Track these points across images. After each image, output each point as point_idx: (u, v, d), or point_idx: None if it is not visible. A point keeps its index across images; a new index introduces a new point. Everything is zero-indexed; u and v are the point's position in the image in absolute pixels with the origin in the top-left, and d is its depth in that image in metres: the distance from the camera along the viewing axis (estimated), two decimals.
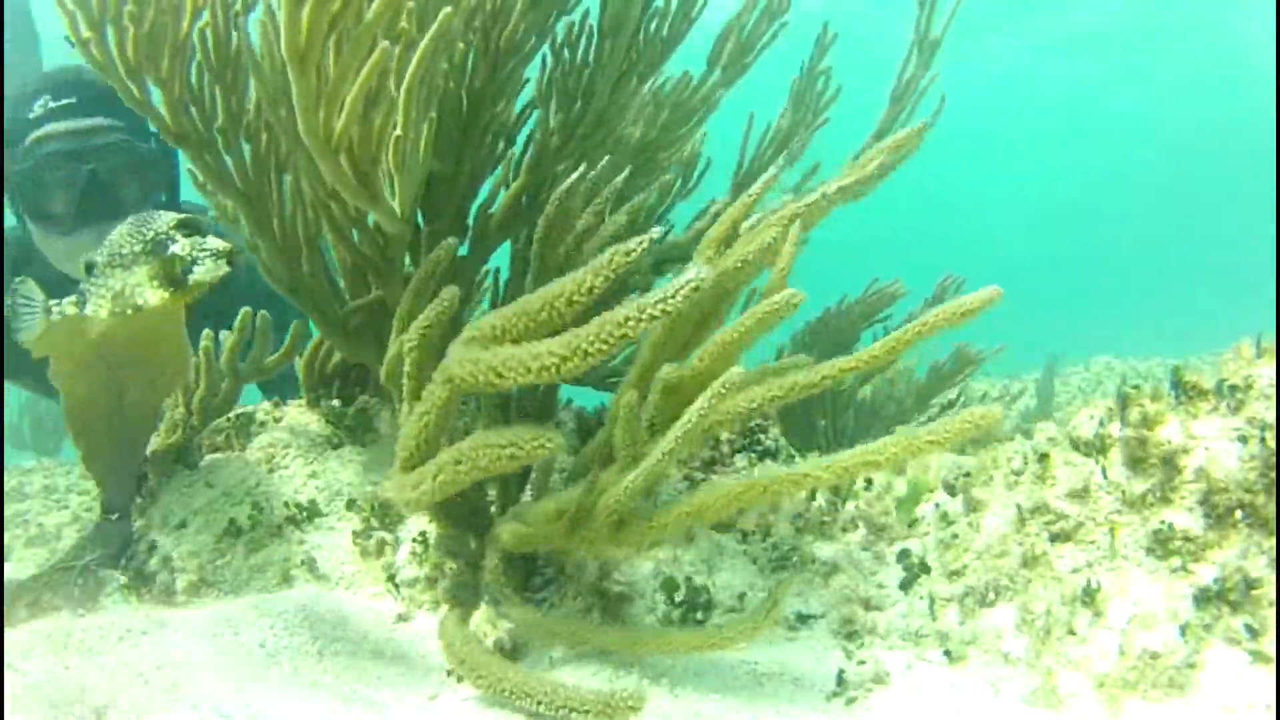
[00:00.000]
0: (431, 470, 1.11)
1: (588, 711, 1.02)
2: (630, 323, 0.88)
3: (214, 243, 1.27)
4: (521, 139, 1.69)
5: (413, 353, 1.21)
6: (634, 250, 0.93)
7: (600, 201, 1.42)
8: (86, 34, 1.34)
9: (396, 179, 1.31)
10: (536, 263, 1.43)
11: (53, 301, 1.37)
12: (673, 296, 0.85)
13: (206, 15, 1.36)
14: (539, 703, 1.06)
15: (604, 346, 0.90)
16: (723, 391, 1.02)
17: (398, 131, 1.24)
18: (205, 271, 1.26)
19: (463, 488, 1.11)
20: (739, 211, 1.26)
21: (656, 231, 0.98)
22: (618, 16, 1.62)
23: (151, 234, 1.26)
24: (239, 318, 1.70)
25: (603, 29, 1.64)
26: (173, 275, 1.26)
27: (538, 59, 1.64)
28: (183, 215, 1.29)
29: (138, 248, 1.27)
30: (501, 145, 1.65)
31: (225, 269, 1.27)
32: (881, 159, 1.18)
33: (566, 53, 1.64)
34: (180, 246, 1.26)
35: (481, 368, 1.01)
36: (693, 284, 0.85)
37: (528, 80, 1.64)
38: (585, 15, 1.63)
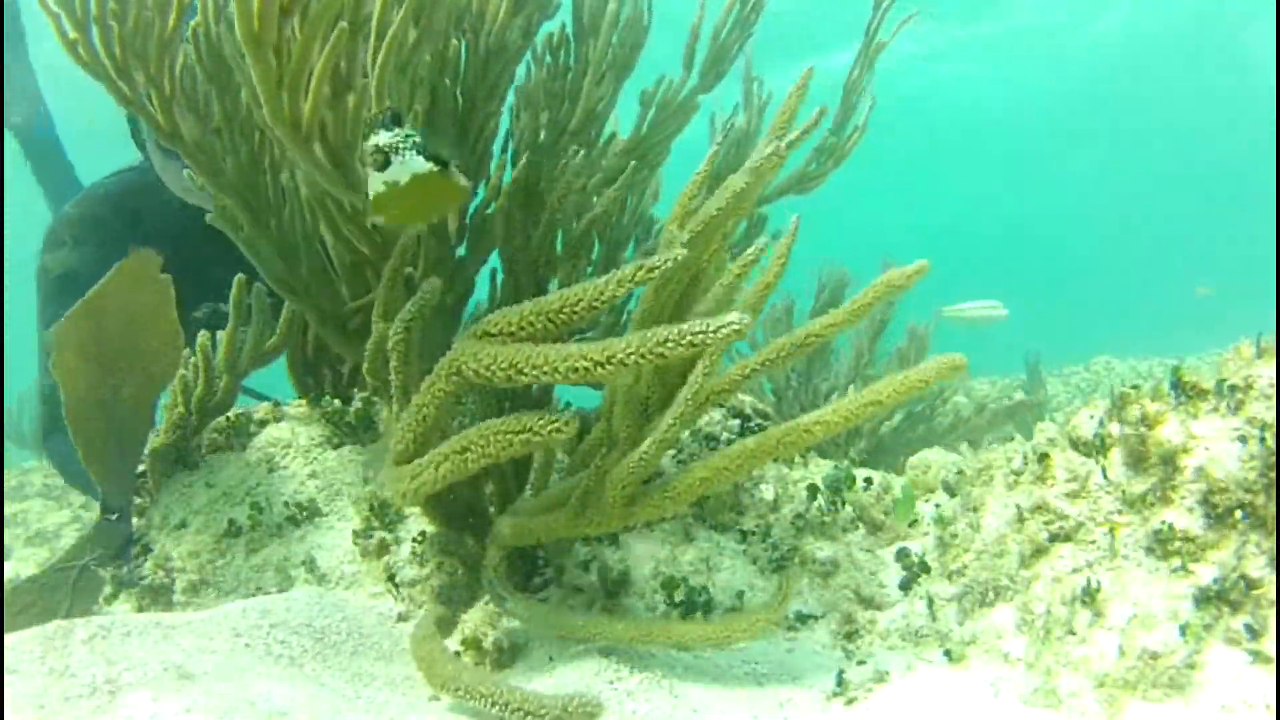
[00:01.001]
0: (435, 459, 1.10)
1: (543, 717, 1.00)
2: (669, 344, 0.91)
3: (385, 137, 1.02)
4: (515, 138, 1.70)
5: (398, 348, 1.20)
6: (656, 266, 0.95)
7: (564, 187, 1.42)
8: (73, 35, 1.34)
9: None
10: (516, 252, 1.43)
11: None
12: (714, 331, 0.88)
13: (198, 14, 1.36)
14: (492, 704, 1.03)
15: (641, 359, 0.92)
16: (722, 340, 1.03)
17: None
18: (398, 169, 1.01)
19: (467, 477, 1.11)
20: (690, 190, 1.26)
21: (681, 252, 0.99)
22: (594, 15, 1.70)
23: (370, 135, 1.03)
24: (234, 287, 1.67)
25: (581, 30, 1.71)
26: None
27: (527, 59, 1.67)
28: (386, 107, 1.06)
29: (368, 158, 1.05)
30: (495, 144, 1.66)
31: (419, 161, 1.00)
32: (789, 106, 1.22)
33: (549, 56, 1.69)
34: (381, 139, 1.02)
35: (500, 363, 1.00)
36: (734, 326, 0.88)
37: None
38: (563, 27, 1.70)
